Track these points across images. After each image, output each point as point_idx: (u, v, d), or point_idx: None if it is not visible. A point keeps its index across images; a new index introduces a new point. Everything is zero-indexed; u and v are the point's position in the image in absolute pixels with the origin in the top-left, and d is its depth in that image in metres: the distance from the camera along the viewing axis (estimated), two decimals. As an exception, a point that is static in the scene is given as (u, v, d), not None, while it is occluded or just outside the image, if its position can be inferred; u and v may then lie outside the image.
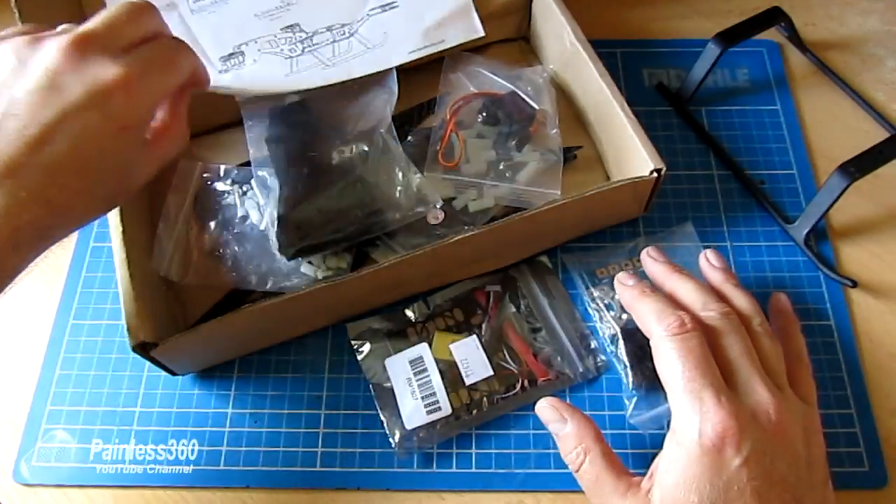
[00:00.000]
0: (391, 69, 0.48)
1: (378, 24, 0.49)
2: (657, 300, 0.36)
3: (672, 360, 0.33)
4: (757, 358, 0.34)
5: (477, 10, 0.51)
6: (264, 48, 0.47)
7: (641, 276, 0.40)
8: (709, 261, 0.40)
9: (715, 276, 0.39)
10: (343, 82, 0.47)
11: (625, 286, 0.38)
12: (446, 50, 0.50)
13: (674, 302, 0.36)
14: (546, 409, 0.37)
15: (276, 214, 0.43)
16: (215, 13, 0.48)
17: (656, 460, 0.33)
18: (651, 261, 0.40)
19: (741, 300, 0.37)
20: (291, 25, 0.48)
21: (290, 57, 0.47)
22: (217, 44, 0.47)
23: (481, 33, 0.49)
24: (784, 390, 0.34)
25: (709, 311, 0.35)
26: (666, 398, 0.33)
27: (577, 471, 0.35)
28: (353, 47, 0.48)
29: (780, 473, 0.31)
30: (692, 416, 0.31)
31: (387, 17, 0.49)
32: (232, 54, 0.47)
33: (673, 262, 0.40)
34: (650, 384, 0.41)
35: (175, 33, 0.39)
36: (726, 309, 0.35)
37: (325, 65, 0.47)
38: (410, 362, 0.43)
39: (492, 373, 0.43)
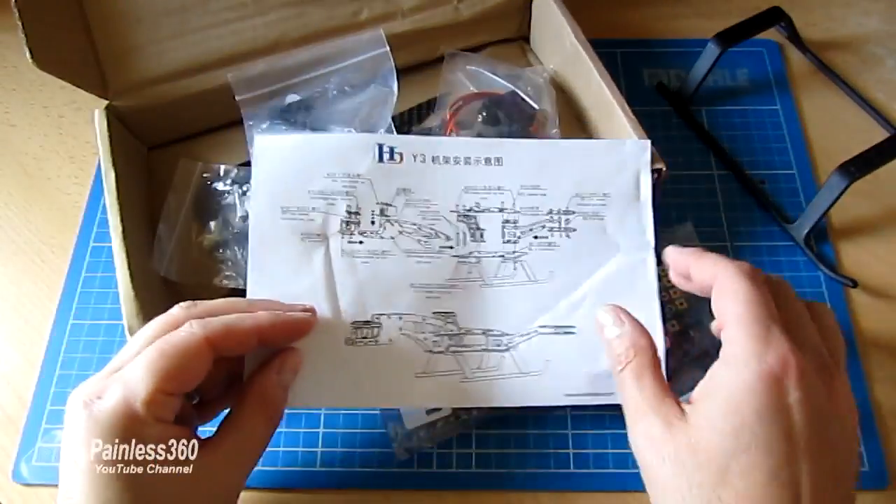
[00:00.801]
0: (391, 67, 0.48)
1: (543, 347, 0.39)
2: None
3: (743, 291, 0.31)
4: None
5: (479, 13, 0.51)
6: (407, 328, 0.38)
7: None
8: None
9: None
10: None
11: (681, 248, 0.36)
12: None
13: None
14: (608, 311, 0.36)
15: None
16: (368, 264, 0.39)
17: (697, 389, 0.31)
18: (678, 249, 0.37)
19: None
20: (446, 313, 0.39)
21: (430, 351, 0.38)
22: (356, 304, 0.38)
23: None
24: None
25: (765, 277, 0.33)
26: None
27: (621, 369, 0.33)
28: (503, 366, 0.38)
29: (831, 439, 0.29)
30: (757, 343, 0.29)
31: (556, 343, 0.39)
32: (368, 323, 0.38)
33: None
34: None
35: (311, 277, 0.37)
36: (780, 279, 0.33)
37: (463, 375, 0.38)
38: (411, 362, 0.44)
39: (492, 373, 0.43)
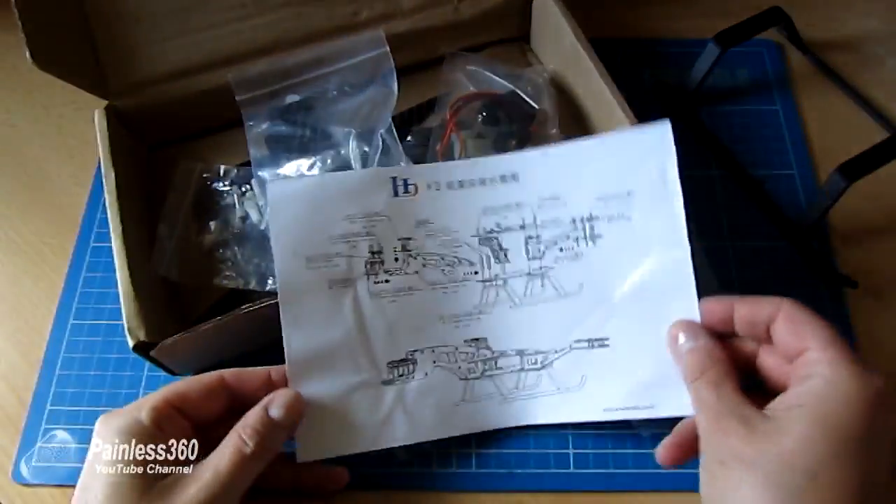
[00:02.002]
0: (391, 67, 0.48)
1: (579, 362, 0.39)
2: None
3: (820, 318, 0.32)
4: None
5: (479, 13, 0.51)
6: (440, 360, 0.40)
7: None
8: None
9: None
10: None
11: (714, 297, 0.37)
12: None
13: None
14: (680, 326, 0.36)
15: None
16: (396, 303, 0.39)
17: (778, 401, 0.31)
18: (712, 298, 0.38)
19: None
20: (478, 339, 0.40)
21: (466, 378, 0.39)
22: (390, 343, 0.39)
23: (689, 412, 0.35)
24: None
25: None
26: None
27: (696, 378, 0.34)
28: (541, 384, 0.39)
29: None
30: (856, 367, 0.30)
31: (592, 357, 0.39)
32: (403, 361, 0.39)
33: None
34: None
35: (344, 324, 0.38)
36: None
37: (502, 397, 0.40)
38: (411, 363, 0.44)
39: (492, 373, 0.43)
